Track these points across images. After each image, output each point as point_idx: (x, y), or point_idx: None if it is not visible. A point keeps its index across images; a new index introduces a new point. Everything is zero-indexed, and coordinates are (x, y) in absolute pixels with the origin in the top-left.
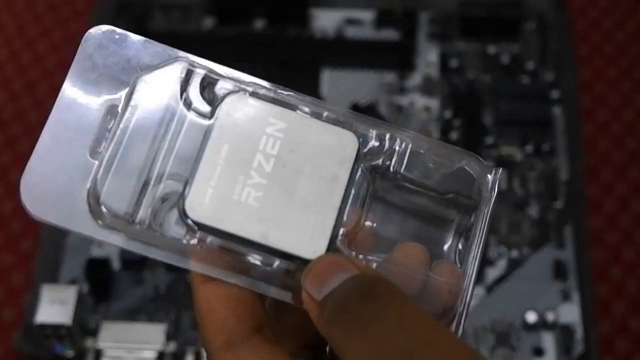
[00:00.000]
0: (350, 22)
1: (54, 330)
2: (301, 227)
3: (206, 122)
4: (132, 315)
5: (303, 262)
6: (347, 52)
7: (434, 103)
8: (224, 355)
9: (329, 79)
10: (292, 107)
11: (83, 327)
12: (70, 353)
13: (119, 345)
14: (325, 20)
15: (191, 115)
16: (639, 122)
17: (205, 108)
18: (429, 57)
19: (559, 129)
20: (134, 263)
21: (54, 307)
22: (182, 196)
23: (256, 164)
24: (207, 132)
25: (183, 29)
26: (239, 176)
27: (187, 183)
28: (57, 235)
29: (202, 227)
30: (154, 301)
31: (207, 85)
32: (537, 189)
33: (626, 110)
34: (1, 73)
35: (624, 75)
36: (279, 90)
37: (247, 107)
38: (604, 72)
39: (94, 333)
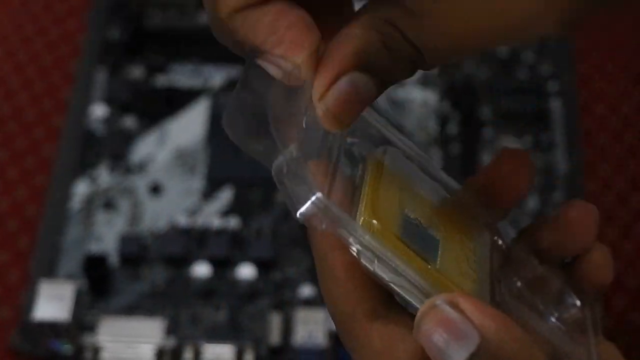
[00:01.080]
0: None
1: (52, 327)
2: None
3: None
4: (130, 311)
5: None
6: None
7: (431, 97)
8: (372, 323)
9: None
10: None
11: (81, 324)
12: (68, 349)
13: (118, 340)
14: None
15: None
16: (637, 116)
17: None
18: None
19: (557, 122)
20: (131, 259)
21: (52, 303)
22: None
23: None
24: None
25: (179, 25)
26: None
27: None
28: (54, 232)
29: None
30: (152, 297)
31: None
32: (535, 182)
33: (624, 104)
34: None
35: (622, 68)
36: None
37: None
38: (602, 66)
39: (92, 329)
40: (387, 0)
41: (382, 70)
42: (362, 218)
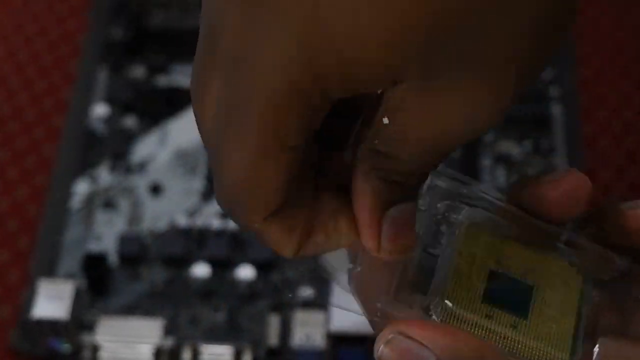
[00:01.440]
0: None
1: (51, 326)
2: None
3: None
4: (129, 310)
5: None
6: None
7: None
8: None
9: None
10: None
11: (80, 323)
12: (67, 347)
13: (117, 340)
14: None
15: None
16: (638, 121)
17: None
18: None
19: (558, 127)
20: (131, 259)
21: (51, 302)
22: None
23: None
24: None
25: (181, 25)
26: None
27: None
28: (54, 232)
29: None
30: (151, 297)
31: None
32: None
33: (625, 109)
34: None
35: (623, 74)
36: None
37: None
38: (603, 70)
39: (90, 328)
40: (374, 152)
41: (403, 193)
42: (434, 302)
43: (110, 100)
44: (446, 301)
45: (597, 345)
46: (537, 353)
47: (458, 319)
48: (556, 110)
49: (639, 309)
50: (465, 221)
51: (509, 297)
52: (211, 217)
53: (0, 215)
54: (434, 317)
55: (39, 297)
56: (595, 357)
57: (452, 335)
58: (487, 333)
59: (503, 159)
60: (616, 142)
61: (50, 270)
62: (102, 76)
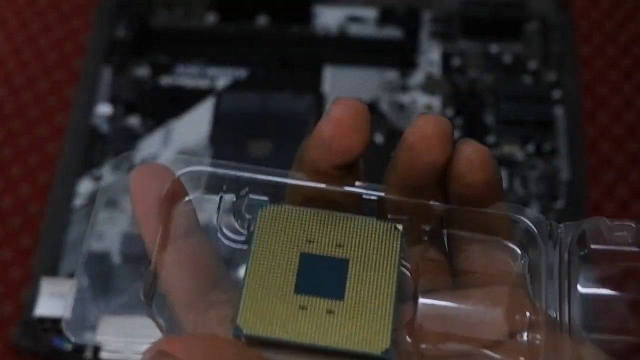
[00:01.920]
0: (353, 19)
1: (53, 324)
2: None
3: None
4: (131, 309)
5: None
6: (350, 50)
7: (435, 102)
8: (187, 315)
9: (331, 76)
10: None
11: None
12: (68, 346)
13: (118, 339)
14: (328, 18)
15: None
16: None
17: (242, 234)
18: (431, 55)
19: (560, 129)
20: (133, 257)
21: (53, 300)
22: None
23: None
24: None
25: (185, 25)
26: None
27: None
28: (57, 230)
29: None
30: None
31: (238, 206)
32: (537, 189)
33: (628, 112)
34: (2, 68)
35: (625, 77)
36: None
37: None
38: (606, 74)
39: (92, 327)
40: None
41: None
42: (242, 306)
43: (113, 99)
44: (252, 304)
45: (418, 305)
46: (357, 337)
47: (269, 319)
48: (558, 113)
49: (462, 249)
50: (262, 206)
51: (324, 278)
52: (213, 216)
53: (2, 213)
54: (240, 325)
55: (41, 296)
56: (417, 318)
57: (210, 344)
58: (303, 327)
59: (506, 161)
60: (618, 145)
61: (52, 269)
62: (106, 75)
